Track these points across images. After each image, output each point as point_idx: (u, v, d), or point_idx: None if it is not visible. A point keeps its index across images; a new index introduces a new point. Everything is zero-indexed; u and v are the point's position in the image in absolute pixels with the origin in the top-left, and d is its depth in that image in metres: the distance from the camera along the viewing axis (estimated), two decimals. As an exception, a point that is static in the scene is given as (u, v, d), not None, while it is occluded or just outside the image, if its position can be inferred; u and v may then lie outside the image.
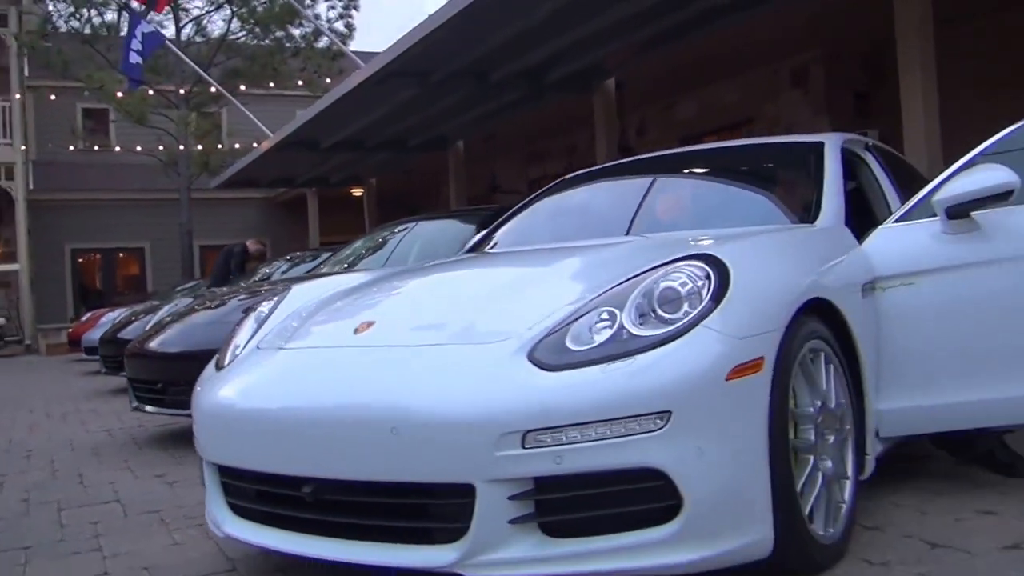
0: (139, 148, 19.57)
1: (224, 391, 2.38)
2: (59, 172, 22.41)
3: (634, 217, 3.27)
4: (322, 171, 16.22)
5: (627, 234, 3.13)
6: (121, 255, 23.55)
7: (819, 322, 2.33)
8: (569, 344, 2.00)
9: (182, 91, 18.46)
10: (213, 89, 17.14)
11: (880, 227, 2.86)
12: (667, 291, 2.07)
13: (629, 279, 2.15)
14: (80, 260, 23.03)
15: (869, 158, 3.57)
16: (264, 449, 2.17)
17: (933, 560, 2.23)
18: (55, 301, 21.20)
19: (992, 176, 2.63)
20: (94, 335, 10.78)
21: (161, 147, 18.85)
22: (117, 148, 21.79)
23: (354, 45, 19.70)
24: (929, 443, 3.13)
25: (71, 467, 4.49)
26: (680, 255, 2.19)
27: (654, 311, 2.03)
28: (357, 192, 17.89)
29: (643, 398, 1.86)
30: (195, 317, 5.24)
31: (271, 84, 19.91)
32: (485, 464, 1.86)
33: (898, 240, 2.81)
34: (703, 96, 12.27)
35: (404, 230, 6.55)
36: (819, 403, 2.27)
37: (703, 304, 2.02)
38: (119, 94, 16.15)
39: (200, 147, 18.14)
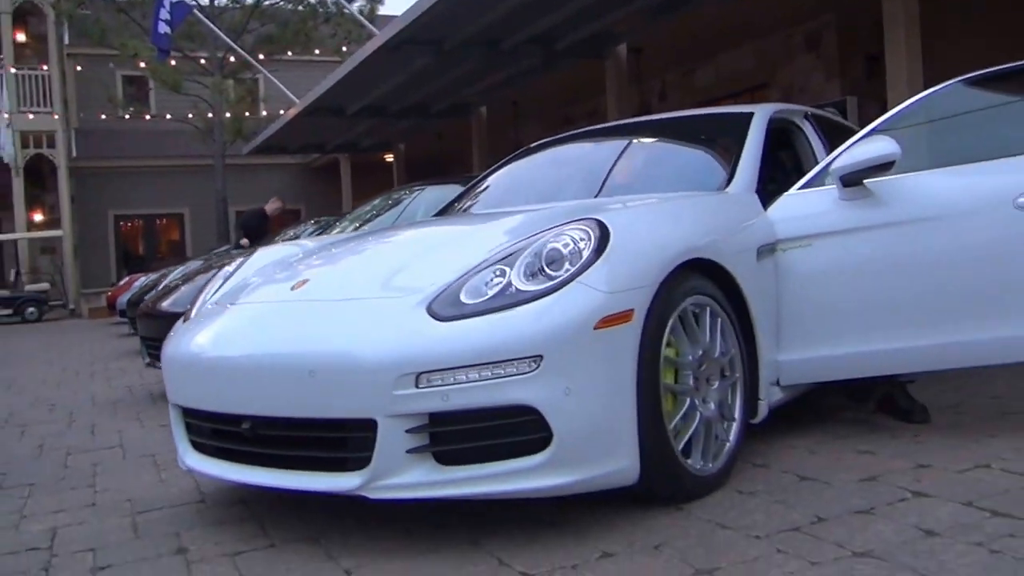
0: (169, 116, 20.08)
1: (183, 342, 2.73)
2: (101, 139, 23.13)
3: (578, 182, 3.56)
4: (351, 137, 16.59)
5: (569, 199, 3.41)
6: (162, 220, 24.26)
7: (705, 280, 2.60)
8: (463, 298, 2.30)
9: (216, 57, 18.88)
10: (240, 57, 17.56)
11: (785, 194, 3.11)
12: (552, 251, 2.36)
13: (524, 240, 2.44)
14: (123, 226, 23.81)
15: (807, 127, 3.81)
16: (212, 392, 2.53)
17: (795, 490, 2.51)
18: (100, 266, 21.99)
19: (876, 148, 2.87)
20: (126, 298, 11.31)
21: (191, 115, 19.32)
22: (147, 116, 22.30)
23: (385, 11, 19.90)
24: (840, 392, 3.39)
25: (87, 419, 4.92)
26: (570, 219, 2.48)
27: (542, 269, 2.32)
28: (388, 158, 18.26)
29: (518, 344, 2.16)
30: (202, 278, 5.63)
31: (309, 51, 20.28)
32: (385, 402, 2.18)
33: (799, 206, 3.06)
34: (720, 62, 12.37)
35: (413, 194, 6.89)
36: (700, 352, 2.55)
37: (581, 262, 2.31)
38: (141, 64, 16.56)
39: (231, 115, 18.57)
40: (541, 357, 2.16)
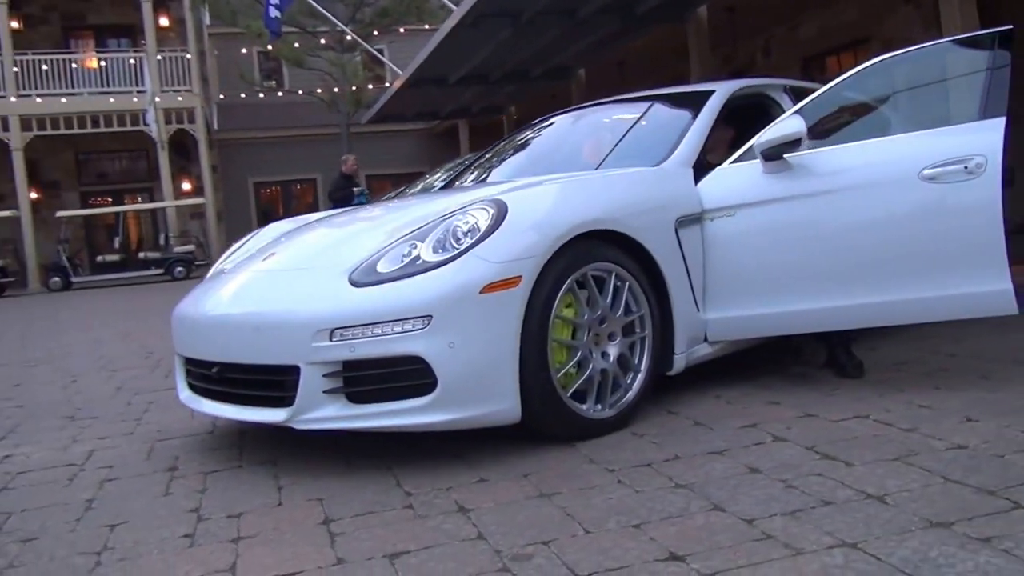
0: (300, 92, 21.28)
1: (185, 302, 3.31)
2: (241, 112, 24.85)
3: (544, 160, 3.94)
4: (461, 103, 17.14)
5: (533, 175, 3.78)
6: (297, 186, 25.77)
7: (612, 249, 2.94)
8: (379, 267, 2.75)
9: (337, 32, 19.86)
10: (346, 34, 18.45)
11: (717, 168, 3.37)
12: (457, 227, 2.77)
13: (439, 218, 2.86)
14: (262, 191, 25.49)
15: (784, 99, 4.01)
16: (195, 342, 3.10)
17: (680, 434, 2.84)
18: (241, 229, 23.58)
19: (785, 126, 3.11)
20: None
21: (320, 91, 20.45)
22: (279, 93, 23.68)
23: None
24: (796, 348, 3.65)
25: (170, 366, 5.68)
26: (478, 198, 2.87)
27: (448, 243, 2.74)
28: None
29: (411, 306, 2.60)
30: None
31: (421, 24, 21.03)
32: (306, 352, 2.66)
33: (727, 179, 3.32)
34: (823, 16, 12.13)
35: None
36: (599, 313, 2.90)
37: (478, 237, 2.71)
38: (268, 46, 17.62)
39: (355, 87, 19.56)
40: (430, 317, 2.59)
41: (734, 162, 3.36)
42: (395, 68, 16.14)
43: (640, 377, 3.03)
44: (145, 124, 18.54)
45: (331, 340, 2.64)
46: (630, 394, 2.99)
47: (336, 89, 19.65)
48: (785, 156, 3.19)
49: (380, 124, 19.82)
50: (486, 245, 2.69)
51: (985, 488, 2.12)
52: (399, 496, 2.48)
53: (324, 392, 2.68)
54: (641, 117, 3.96)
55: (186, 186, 22.87)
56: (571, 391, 2.82)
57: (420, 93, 14.86)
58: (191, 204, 20.68)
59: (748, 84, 3.95)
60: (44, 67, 20.19)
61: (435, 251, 2.73)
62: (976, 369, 3.42)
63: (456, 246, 2.71)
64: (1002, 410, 2.78)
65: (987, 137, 2.94)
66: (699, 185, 3.33)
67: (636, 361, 3.03)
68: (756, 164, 3.26)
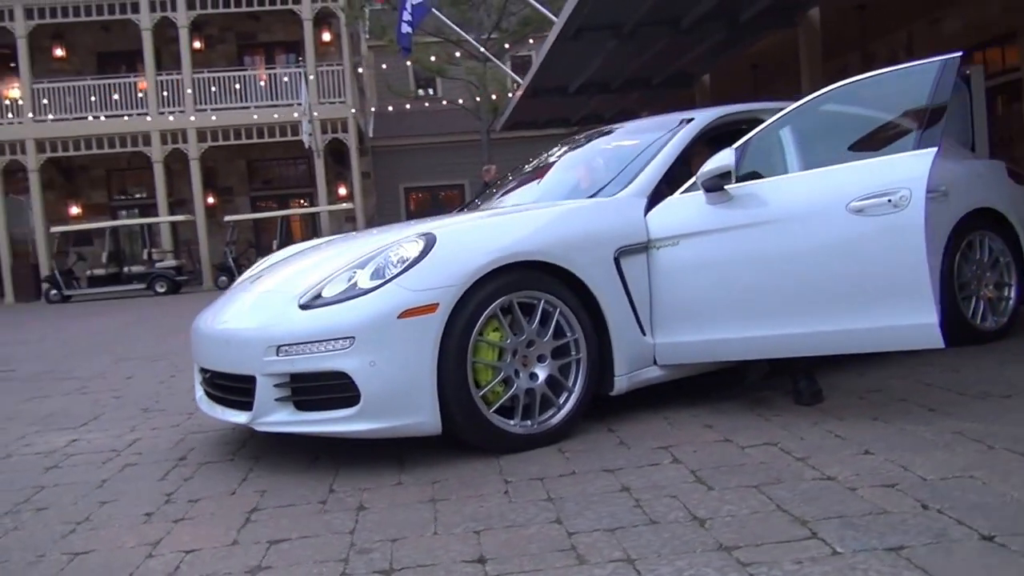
0: (445, 102, 22.18)
1: (200, 315, 3.83)
2: (394, 120, 26.21)
3: (523, 190, 4.28)
4: (591, 110, 17.39)
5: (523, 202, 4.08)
6: (444, 193, 26.80)
7: (546, 278, 3.20)
8: (324, 293, 3.14)
9: (481, 41, 20.59)
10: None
11: (668, 198, 3.54)
12: (390, 257, 3.12)
13: (380, 248, 3.22)
14: (412, 197, 26.70)
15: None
16: (198, 352, 3.61)
17: (599, 452, 3.05)
18: (392, 234, 24.94)
19: (717, 158, 3.25)
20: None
21: (462, 100, 21.28)
22: (426, 103, 24.72)
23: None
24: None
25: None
26: (417, 231, 3.21)
27: (382, 271, 3.10)
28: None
29: (339, 328, 2.98)
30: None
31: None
32: (260, 364, 3.09)
33: (673, 209, 3.49)
34: (967, 10, 11.57)
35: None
36: (523, 338, 3.16)
37: (404, 266, 3.05)
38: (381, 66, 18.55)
39: (493, 95, 20.24)
40: (354, 338, 2.95)
41: (683, 192, 3.52)
42: (516, 77, 16.62)
43: (573, 397, 3.26)
44: (305, 134, 19.91)
45: (278, 355, 3.06)
46: (562, 412, 3.24)
47: (468, 99, 20.38)
48: (726, 187, 3.33)
49: (517, 130, 20.38)
50: (409, 275, 3.03)
51: (801, 519, 2.25)
52: (249, 493, 2.86)
53: (276, 400, 3.10)
54: (613, 147, 4.18)
55: (342, 191, 24.31)
56: (495, 408, 3.10)
57: (544, 102, 15.25)
58: (341, 209, 21.97)
59: (736, 111, 4.06)
60: (213, 88, 22.03)
61: (372, 279, 3.09)
62: (936, 401, 3.41)
63: (385, 275, 3.06)
64: (907, 445, 2.83)
65: (913, 169, 2.98)
66: (648, 215, 3.51)
67: (570, 382, 3.27)
68: (701, 195, 3.41)
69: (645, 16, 9.83)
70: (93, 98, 21.76)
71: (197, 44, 23.33)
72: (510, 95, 21.79)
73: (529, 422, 3.18)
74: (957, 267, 4.29)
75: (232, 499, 2.89)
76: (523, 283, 3.17)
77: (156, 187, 21.83)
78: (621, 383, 3.39)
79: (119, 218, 23.52)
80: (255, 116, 21.88)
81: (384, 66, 25.96)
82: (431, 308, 2.99)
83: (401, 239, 3.20)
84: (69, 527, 2.72)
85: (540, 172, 4.57)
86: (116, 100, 21.79)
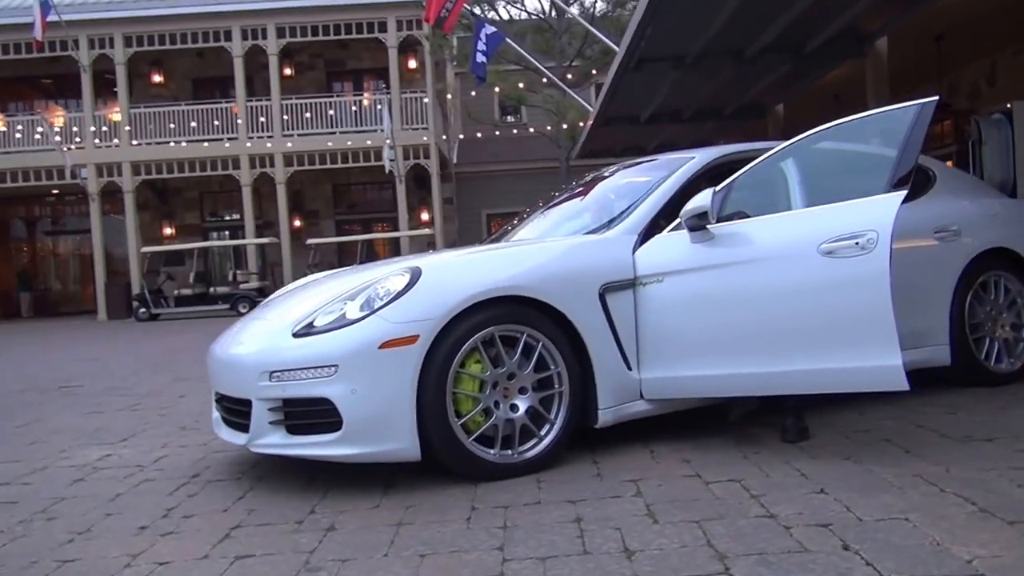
0: (532, 130, 22.50)
1: (216, 340, 4.09)
2: (478, 147, 26.69)
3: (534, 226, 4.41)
4: (666, 138, 17.39)
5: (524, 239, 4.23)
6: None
7: (530, 312, 3.32)
8: (316, 323, 3.34)
9: (561, 69, 20.90)
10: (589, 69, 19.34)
11: (657, 236, 3.62)
12: (378, 290, 3.30)
13: (373, 280, 3.40)
14: (493, 222, 27.07)
15: (784, 163, 4.14)
16: (212, 377, 3.85)
17: (573, 481, 3.16)
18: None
19: (696, 199, 3.33)
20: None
21: (539, 128, 21.60)
22: (502, 125, 25.13)
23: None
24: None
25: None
26: (404, 266, 3.38)
27: (369, 303, 3.28)
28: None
29: (324, 356, 3.17)
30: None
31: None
32: (255, 389, 3.31)
33: (660, 246, 3.57)
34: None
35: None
36: (504, 370, 3.29)
37: (389, 299, 3.23)
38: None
39: (568, 124, 20.46)
40: (337, 366, 3.14)
41: (670, 231, 3.60)
42: (588, 106, 16.80)
43: (555, 428, 3.37)
44: (387, 160, 20.50)
45: (270, 380, 3.27)
46: (543, 444, 3.35)
47: (548, 127, 20.65)
48: (708, 227, 3.40)
49: (595, 158, 20.52)
50: (393, 307, 3.20)
51: (723, 554, 2.32)
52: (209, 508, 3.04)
53: (269, 423, 3.31)
54: (625, 183, 4.27)
55: (425, 216, 24.85)
56: (475, 436, 3.23)
57: (616, 131, 15.36)
58: (421, 234, 22.45)
59: (739, 149, 4.11)
60: (305, 115, 22.89)
61: (360, 310, 3.27)
62: (917, 443, 3.38)
63: (372, 307, 3.24)
64: (862, 485, 2.85)
65: (881, 213, 3.01)
66: (637, 252, 3.60)
67: (552, 414, 3.38)
68: (686, 234, 3.49)
69: (707, 47, 9.86)
70: (193, 123, 22.85)
71: (288, 71, 24.31)
72: (580, 124, 22.04)
73: (509, 452, 3.30)
74: (969, 307, 4.22)
75: (221, 516, 3.10)
76: (506, 317, 3.30)
77: (244, 210, 22.74)
78: (606, 416, 3.48)
79: (211, 239, 24.56)
80: (341, 142, 22.62)
81: (473, 93, 26.56)
82: (411, 340, 3.16)
83: (391, 272, 3.38)
84: (69, 536, 2.97)
85: (557, 205, 4.72)
86: (208, 125, 22.84)
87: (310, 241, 21.99)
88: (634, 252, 3.61)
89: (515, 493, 3.09)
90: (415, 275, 3.29)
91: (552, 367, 3.37)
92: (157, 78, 24.95)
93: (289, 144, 22.51)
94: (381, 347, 3.14)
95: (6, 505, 3.42)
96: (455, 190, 26.50)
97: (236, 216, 24.70)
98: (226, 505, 3.23)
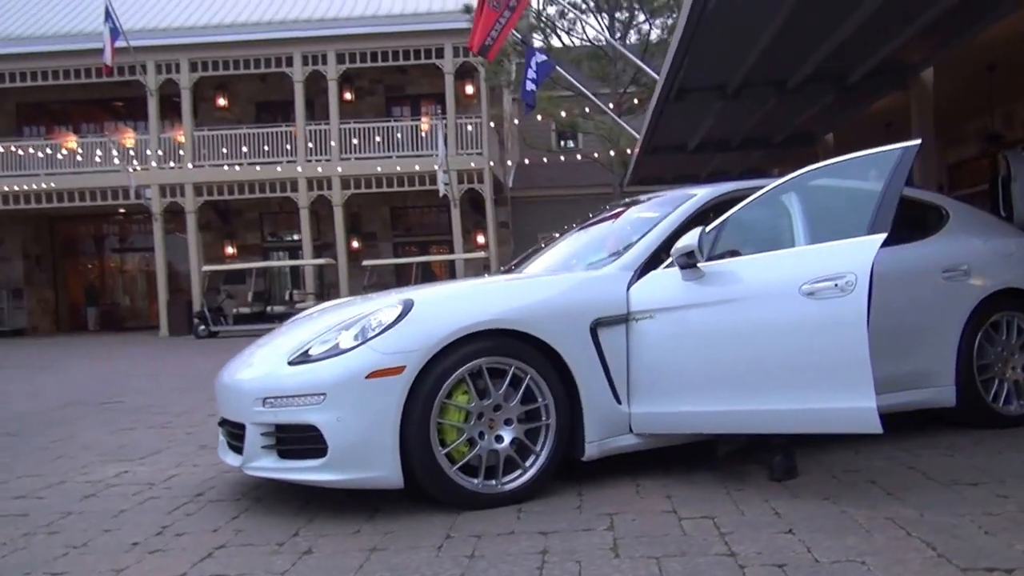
0: (580, 157, 22.60)
1: (226, 366, 4.23)
2: (534, 172, 26.87)
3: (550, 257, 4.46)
4: (716, 166, 17.31)
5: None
6: (576, 243, 27.11)
7: (519, 345, 3.38)
8: (310, 352, 3.45)
9: (616, 95, 20.99)
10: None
11: (651, 272, 3.65)
12: (372, 321, 3.40)
13: (369, 312, 3.50)
14: (548, 247, 27.19)
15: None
16: (218, 402, 3.99)
17: (554, 513, 3.19)
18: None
19: (685, 238, 3.37)
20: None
21: (596, 154, 21.73)
22: (555, 151, 25.30)
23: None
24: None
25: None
26: (399, 298, 3.48)
27: (362, 333, 3.38)
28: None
29: (313, 384, 3.28)
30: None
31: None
32: (250, 414, 3.43)
33: (653, 283, 3.60)
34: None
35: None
36: (489, 402, 3.35)
37: (380, 330, 3.32)
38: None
39: (617, 151, 20.52)
40: (325, 394, 3.24)
41: (664, 268, 3.63)
42: (634, 133, 16.78)
43: (540, 460, 3.41)
44: (441, 184, 20.81)
45: (263, 406, 3.39)
46: (527, 475, 3.39)
47: (595, 154, 20.72)
48: (699, 265, 3.42)
49: (647, 185, 20.51)
50: (382, 337, 3.29)
51: (671, 593, 2.34)
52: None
53: (262, 447, 3.42)
54: (635, 218, 4.32)
55: (480, 239, 25.10)
56: (458, 466, 3.30)
57: (664, 159, 15.33)
58: (475, 257, 22.66)
59: (741, 187, 4.12)
60: (356, 140, 23.38)
61: (353, 340, 3.38)
62: (902, 485, 3.34)
63: (364, 337, 3.34)
64: (831, 527, 2.84)
65: (860, 255, 3.01)
66: (631, 288, 3.63)
67: (538, 446, 3.42)
68: (678, 271, 3.52)
69: (747, 77, 9.81)
70: (244, 148, 23.51)
71: (348, 95, 24.85)
72: (628, 151, 22.05)
73: (493, 482, 3.35)
74: (979, 347, 4.14)
75: (209, 535, 3.21)
76: (495, 349, 3.36)
77: (302, 231, 23.24)
78: (592, 449, 3.51)
79: (271, 258, 25.17)
80: (398, 166, 23.02)
81: (538, 118, 26.81)
82: (398, 370, 3.24)
83: (387, 304, 3.48)
84: (64, 551, 3.11)
85: (569, 237, 4.80)
86: (272, 148, 23.47)
87: (366, 263, 22.37)
88: (629, 288, 3.65)
89: (492, 523, 3.14)
90: (407, 307, 3.38)
91: (540, 399, 3.43)
92: (222, 101, 25.72)
93: (343, 167, 22.97)
94: (368, 377, 3.23)
95: (15, 518, 3.59)
96: (510, 214, 26.70)
97: (296, 237, 25.24)
98: (218, 525, 3.35)
